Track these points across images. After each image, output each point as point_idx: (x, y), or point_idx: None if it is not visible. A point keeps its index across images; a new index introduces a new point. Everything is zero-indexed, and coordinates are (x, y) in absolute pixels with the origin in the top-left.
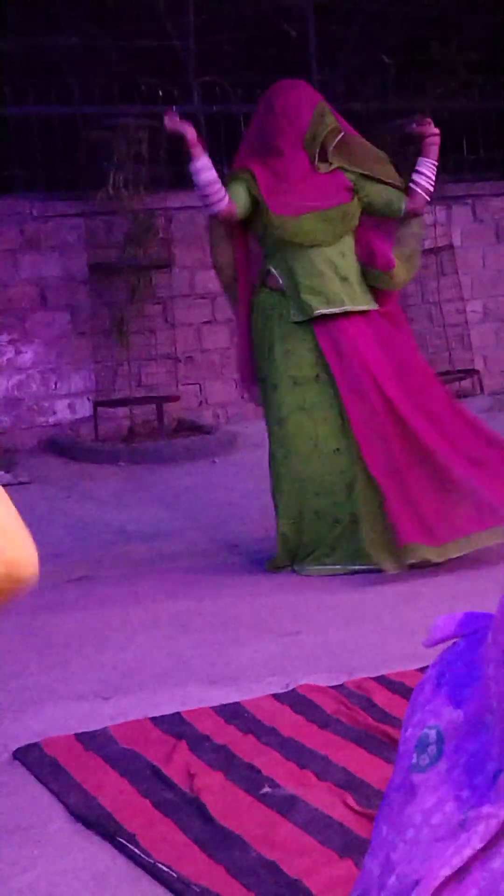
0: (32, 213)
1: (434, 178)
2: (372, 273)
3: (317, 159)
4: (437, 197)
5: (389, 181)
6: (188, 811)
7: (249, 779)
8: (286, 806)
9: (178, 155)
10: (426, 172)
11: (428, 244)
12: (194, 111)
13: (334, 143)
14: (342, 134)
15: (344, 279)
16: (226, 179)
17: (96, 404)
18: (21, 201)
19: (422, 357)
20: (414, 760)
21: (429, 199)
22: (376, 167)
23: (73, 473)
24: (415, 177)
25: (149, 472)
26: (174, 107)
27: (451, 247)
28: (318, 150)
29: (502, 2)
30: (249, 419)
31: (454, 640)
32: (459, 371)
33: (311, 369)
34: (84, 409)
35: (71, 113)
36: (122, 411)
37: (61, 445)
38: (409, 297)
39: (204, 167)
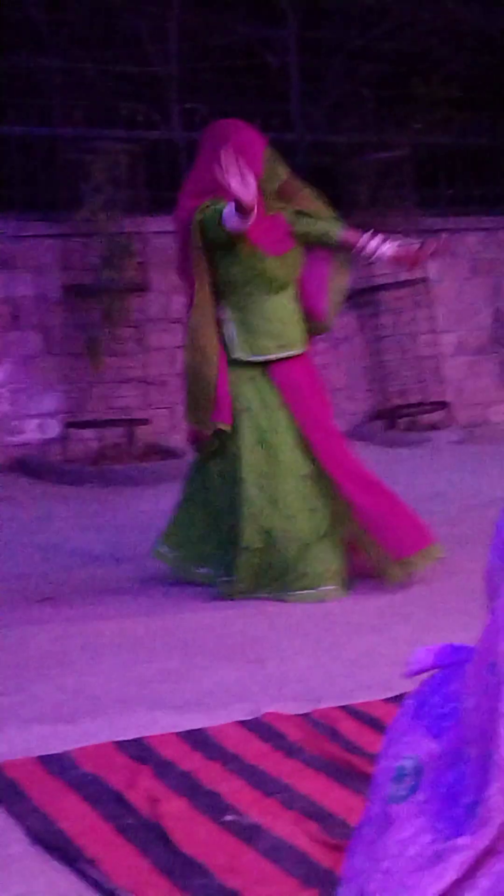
0: (8, 232)
1: (385, 249)
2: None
3: (266, 201)
4: (416, 230)
5: (325, 216)
6: (150, 837)
7: (213, 806)
8: (250, 834)
9: (156, 179)
10: (383, 241)
11: (403, 276)
12: (174, 137)
13: (277, 187)
14: (285, 179)
15: (292, 323)
16: (202, 209)
17: (66, 425)
18: None
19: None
20: (391, 791)
21: (367, 251)
22: (311, 204)
23: (41, 494)
24: (372, 236)
25: (117, 494)
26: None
27: (426, 279)
28: (269, 193)
29: (482, 40)
30: None
31: (432, 671)
32: (432, 403)
33: (264, 402)
34: (54, 429)
35: (51, 134)
36: (91, 433)
37: (30, 465)
38: (383, 328)
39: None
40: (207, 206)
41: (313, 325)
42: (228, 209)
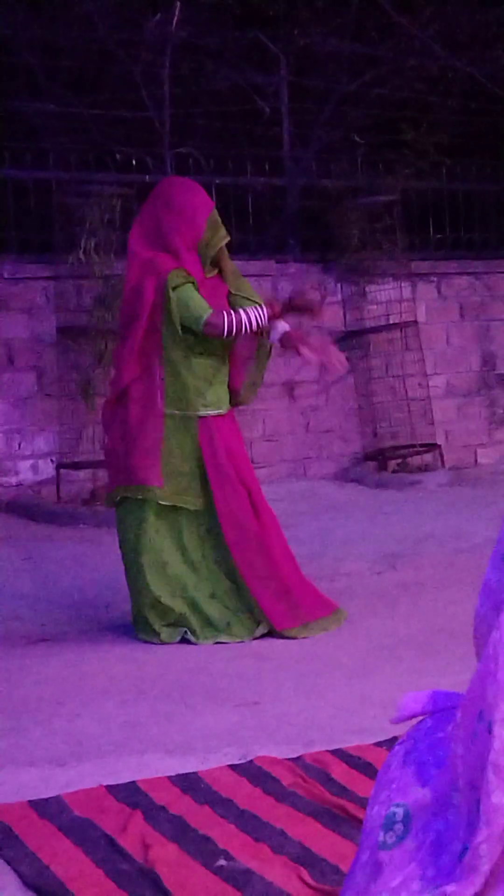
0: (3, 274)
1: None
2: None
3: (207, 265)
4: (405, 274)
5: (254, 298)
6: (142, 882)
7: (205, 851)
8: (241, 879)
9: None
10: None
11: (393, 319)
12: None
13: (216, 251)
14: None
15: (222, 383)
16: (177, 282)
17: (59, 466)
18: None
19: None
20: (381, 838)
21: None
22: (242, 284)
23: (34, 535)
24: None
25: (110, 535)
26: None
27: (415, 322)
28: (209, 258)
29: (471, 87)
30: None
31: (421, 717)
32: (421, 445)
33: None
34: (47, 470)
35: (46, 177)
36: (84, 474)
37: (23, 506)
38: (373, 370)
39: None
40: (181, 285)
41: (233, 396)
42: (212, 318)
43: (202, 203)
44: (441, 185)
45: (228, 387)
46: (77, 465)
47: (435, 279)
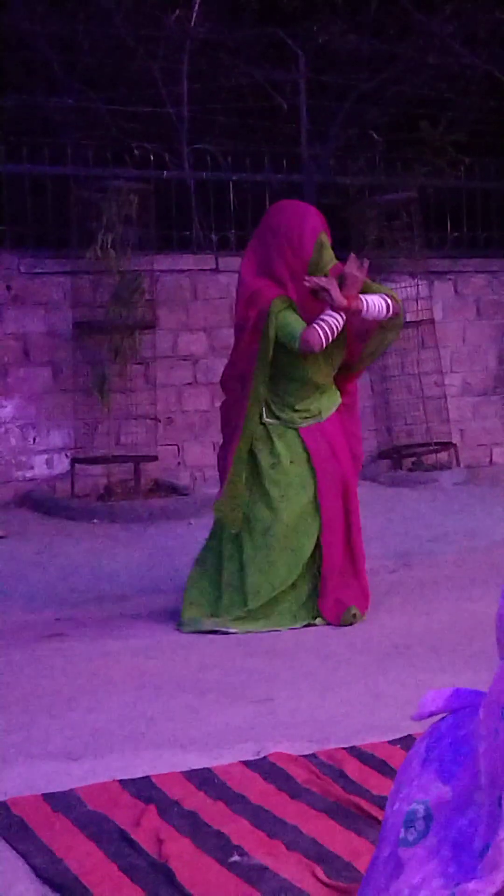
0: (20, 269)
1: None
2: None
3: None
4: (422, 272)
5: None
6: (156, 877)
7: (219, 847)
8: (255, 875)
9: (167, 218)
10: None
11: (410, 317)
12: (185, 177)
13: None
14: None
15: (323, 392)
16: (279, 308)
17: (74, 461)
18: (9, 257)
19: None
20: (401, 835)
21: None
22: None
23: (48, 529)
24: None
25: (124, 531)
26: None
27: (432, 321)
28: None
29: (490, 84)
30: None
31: (442, 714)
32: (437, 443)
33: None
34: (62, 465)
35: (64, 173)
36: (99, 469)
37: (37, 501)
38: (389, 368)
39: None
40: (282, 310)
41: (348, 367)
42: (307, 333)
43: (310, 228)
44: (459, 182)
45: (345, 361)
46: (92, 460)
47: (452, 277)
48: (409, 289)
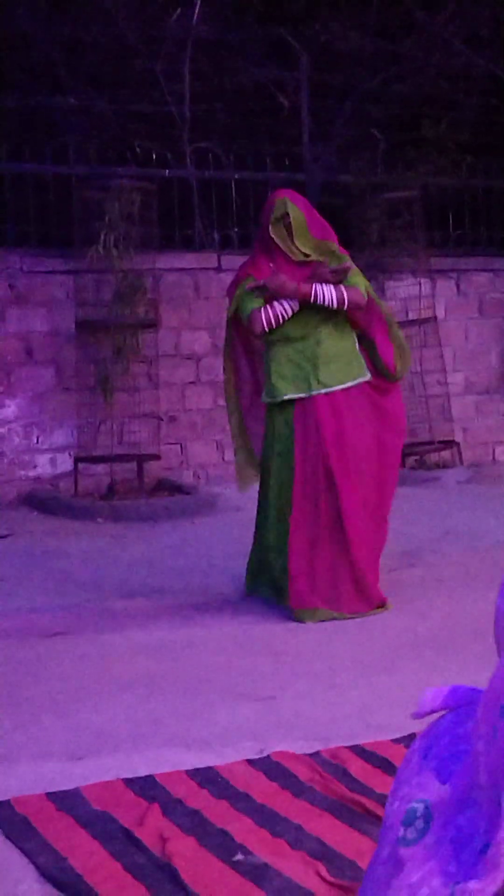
0: (23, 268)
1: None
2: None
3: (290, 249)
4: (425, 270)
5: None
6: (160, 876)
7: (222, 845)
8: (259, 874)
9: (169, 217)
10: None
11: (412, 316)
12: (187, 175)
13: (285, 230)
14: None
15: (316, 365)
16: (243, 286)
17: (77, 460)
18: (12, 256)
19: (394, 430)
20: (401, 834)
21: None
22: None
23: (51, 528)
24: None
25: (127, 529)
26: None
27: (434, 319)
28: (286, 240)
29: (492, 83)
30: (230, 481)
31: (442, 712)
32: (440, 442)
33: (285, 443)
34: (65, 464)
35: (66, 172)
36: (102, 468)
37: (41, 500)
38: None
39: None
40: (242, 291)
41: (389, 375)
42: (253, 314)
43: (270, 201)
44: (461, 181)
45: (384, 363)
46: (95, 459)
47: (454, 276)
48: (411, 287)
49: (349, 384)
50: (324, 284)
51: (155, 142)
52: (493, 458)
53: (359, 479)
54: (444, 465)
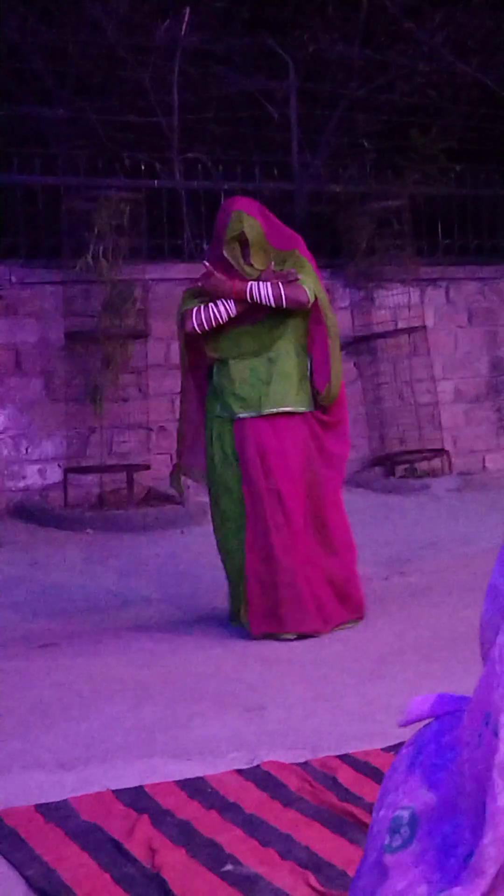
0: (12, 279)
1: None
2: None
3: (242, 269)
4: (414, 279)
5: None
6: (149, 887)
7: (212, 856)
8: (249, 884)
9: (158, 227)
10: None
11: (401, 324)
12: (176, 186)
13: (238, 245)
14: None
15: (269, 383)
16: (189, 292)
17: (67, 470)
18: (1, 267)
19: (333, 467)
20: (387, 841)
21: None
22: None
23: (41, 539)
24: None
25: (117, 540)
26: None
27: (423, 327)
28: (238, 259)
29: (480, 92)
30: None
31: (428, 720)
32: (429, 450)
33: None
34: (54, 474)
35: (55, 182)
36: (92, 478)
37: (30, 511)
38: (381, 375)
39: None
40: (185, 295)
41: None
42: (185, 314)
43: (224, 213)
44: (450, 190)
45: (314, 383)
46: (84, 470)
47: (443, 284)
48: (400, 296)
49: (290, 409)
50: (261, 283)
51: (143, 152)
52: (483, 466)
53: (296, 501)
54: (433, 474)
